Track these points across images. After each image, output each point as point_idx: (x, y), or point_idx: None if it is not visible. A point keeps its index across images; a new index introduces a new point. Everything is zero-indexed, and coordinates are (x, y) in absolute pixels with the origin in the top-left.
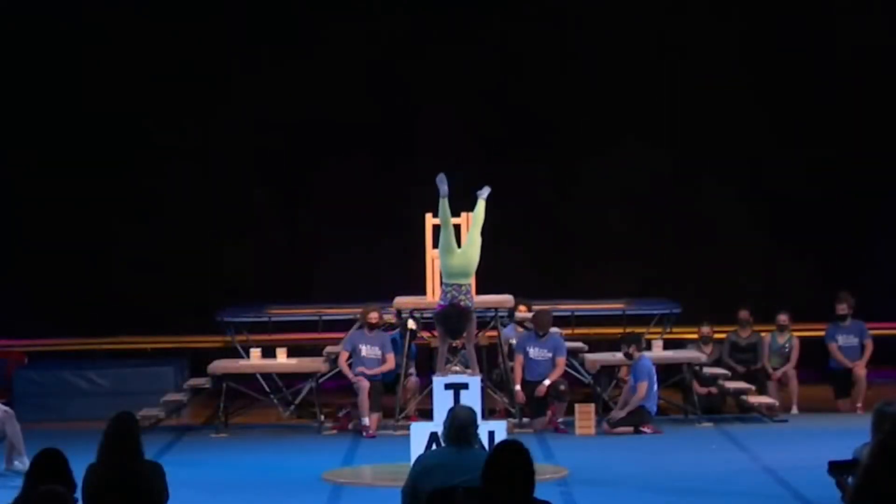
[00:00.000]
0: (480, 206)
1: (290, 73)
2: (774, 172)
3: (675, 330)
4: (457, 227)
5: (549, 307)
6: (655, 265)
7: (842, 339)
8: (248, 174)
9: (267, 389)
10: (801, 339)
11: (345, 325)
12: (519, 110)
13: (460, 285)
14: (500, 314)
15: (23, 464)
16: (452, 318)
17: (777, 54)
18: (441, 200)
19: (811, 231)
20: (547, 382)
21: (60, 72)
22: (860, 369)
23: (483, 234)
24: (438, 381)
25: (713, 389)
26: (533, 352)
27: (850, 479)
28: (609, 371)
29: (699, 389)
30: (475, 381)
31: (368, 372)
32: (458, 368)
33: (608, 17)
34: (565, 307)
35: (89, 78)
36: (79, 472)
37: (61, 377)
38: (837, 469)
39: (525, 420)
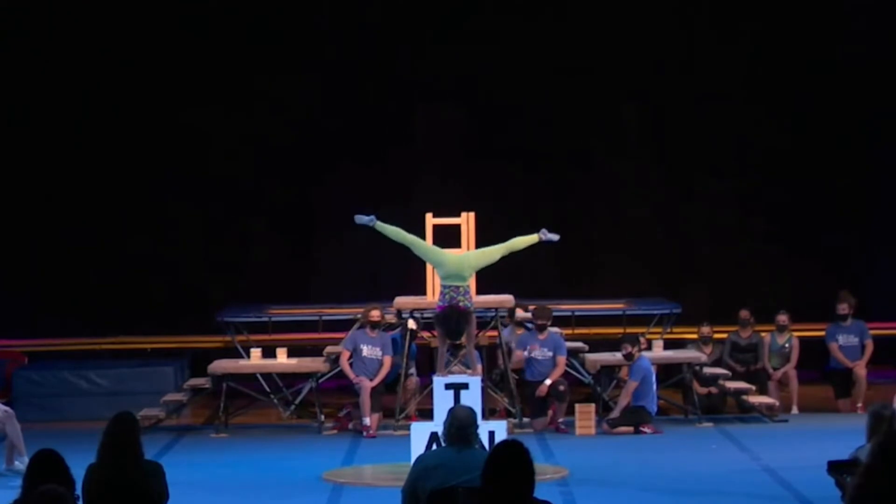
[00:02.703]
0: (530, 240)
1: (289, 73)
2: (774, 172)
3: (675, 330)
4: (456, 227)
5: (549, 307)
6: (655, 265)
7: (842, 339)
8: (249, 174)
9: (267, 389)
10: (801, 339)
11: (345, 325)
12: (518, 110)
13: (458, 286)
14: (500, 314)
15: (23, 464)
16: (452, 319)
17: (777, 54)
18: (377, 227)
19: (811, 231)
20: (548, 382)
21: (61, 72)
22: (860, 369)
23: (483, 233)
24: (438, 381)
25: (713, 389)
26: (533, 350)
27: (848, 479)
28: (609, 371)
29: (699, 389)
30: (475, 381)
31: (369, 384)
32: (458, 368)
33: (608, 15)
34: (565, 307)
35: (90, 78)
36: (79, 472)
37: (61, 377)
38: (836, 469)
39: (525, 420)
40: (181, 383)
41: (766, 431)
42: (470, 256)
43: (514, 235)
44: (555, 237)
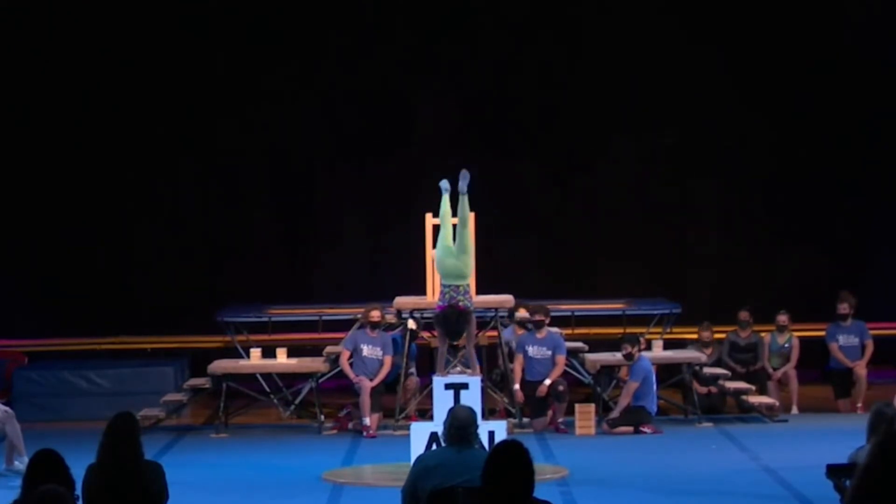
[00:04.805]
0: (464, 202)
1: (289, 73)
2: (775, 172)
3: (675, 330)
4: (456, 227)
5: (548, 306)
6: (655, 265)
7: (843, 339)
8: (248, 174)
9: (267, 389)
10: (801, 339)
11: (345, 325)
12: (518, 110)
13: (458, 286)
14: (500, 314)
15: (23, 464)
16: (452, 319)
17: (777, 53)
18: (443, 196)
19: (812, 231)
20: (547, 382)
21: (61, 72)
22: (861, 369)
23: (483, 233)
24: (438, 381)
25: (713, 389)
26: (532, 350)
27: (847, 483)
28: (609, 371)
29: (699, 389)
30: (475, 381)
31: (369, 384)
32: (458, 369)
33: (608, 14)
34: (565, 307)
35: (90, 78)
36: (79, 472)
37: (61, 377)
38: (835, 472)
39: (525, 420)
40: (181, 383)
41: (766, 431)
42: (460, 255)
43: (513, 235)
44: (463, 181)
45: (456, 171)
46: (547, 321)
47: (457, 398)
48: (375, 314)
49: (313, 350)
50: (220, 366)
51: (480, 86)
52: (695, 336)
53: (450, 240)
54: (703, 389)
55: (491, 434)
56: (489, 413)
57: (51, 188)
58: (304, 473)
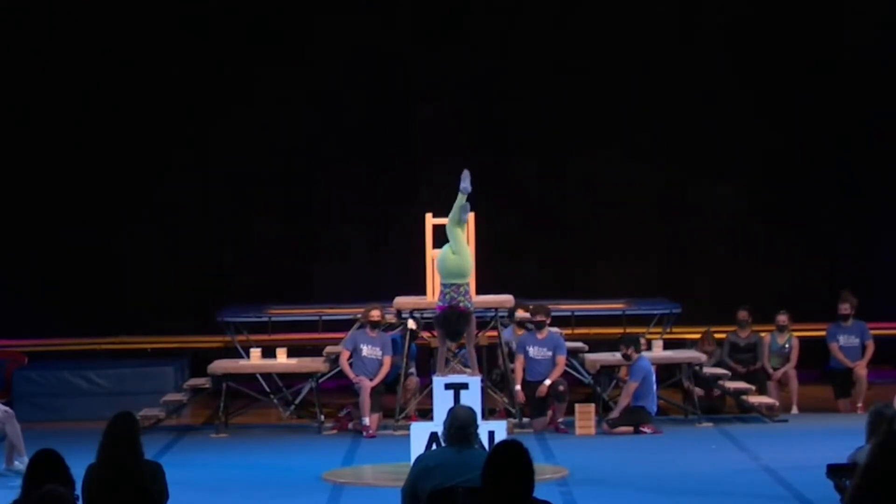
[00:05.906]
0: (460, 202)
1: (288, 75)
2: (775, 172)
3: (675, 330)
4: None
5: (549, 306)
6: (655, 265)
7: (843, 339)
8: (248, 175)
9: (267, 389)
10: (801, 339)
11: (345, 325)
12: (518, 110)
13: (458, 286)
14: (500, 314)
15: (23, 464)
16: (452, 320)
17: (777, 53)
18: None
19: (812, 231)
20: (547, 382)
21: (61, 72)
22: (861, 369)
23: (483, 233)
24: (438, 381)
25: (715, 391)
26: (533, 350)
27: (847, 483)
28: (609, 371)
29: (696, 391)
30: (475, 381)
31: (369, 384)
32: (458, 368)
33: (608, 15)
34: (565, 307)
35: (90, 78)
36: (79, 472)
37: (61, 377)
38: (835, 472)
39: (525, 420)
40: (181, 383)
41: (766, 431)
42: (460, 250)
43: (513, 235)
44: (465, 182)
45: (456, 170)
46: (548, 321)
47: (457, 398)
48: (375, 314)
49: (313, 350)
50: (220, 366)
51: (480, 85)
52: (695, 336)
53: (445, 251)
54: (699, 391)
55: (491, 434)
56: (489, 413)
57: (51, 188)
58: (304, 473)
